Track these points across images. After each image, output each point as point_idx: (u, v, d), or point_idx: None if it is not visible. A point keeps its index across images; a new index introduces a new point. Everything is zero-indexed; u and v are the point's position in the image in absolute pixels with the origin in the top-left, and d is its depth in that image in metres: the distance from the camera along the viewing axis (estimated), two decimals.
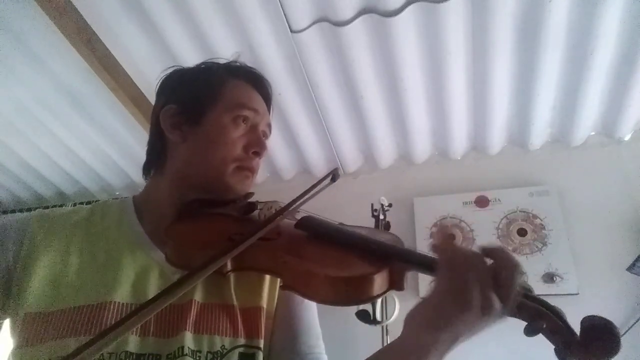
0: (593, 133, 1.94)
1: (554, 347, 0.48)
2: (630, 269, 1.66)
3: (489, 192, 2.01)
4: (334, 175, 0.69)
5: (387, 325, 1.66)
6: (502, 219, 1.94)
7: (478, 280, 0.45)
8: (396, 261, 0.54)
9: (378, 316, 1.63)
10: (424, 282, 1.86)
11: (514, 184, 1.99)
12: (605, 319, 0.46)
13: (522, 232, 1.89)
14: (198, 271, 0.47)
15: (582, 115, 1.80)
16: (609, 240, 1.78)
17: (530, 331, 0.47)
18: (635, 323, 1.57)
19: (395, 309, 1.64)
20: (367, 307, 1.66)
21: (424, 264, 0.53)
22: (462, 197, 2.04)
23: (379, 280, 0.52)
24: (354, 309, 1.68)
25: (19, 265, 0.59)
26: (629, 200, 1.82)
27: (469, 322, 0.46)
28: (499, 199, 1.99)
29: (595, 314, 0.47)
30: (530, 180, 1.98)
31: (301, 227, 0.63)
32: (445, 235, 1.99)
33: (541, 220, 1.88)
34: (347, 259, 0.56)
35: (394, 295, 1.67)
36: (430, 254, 0.53)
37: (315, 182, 0.59)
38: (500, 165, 2.07)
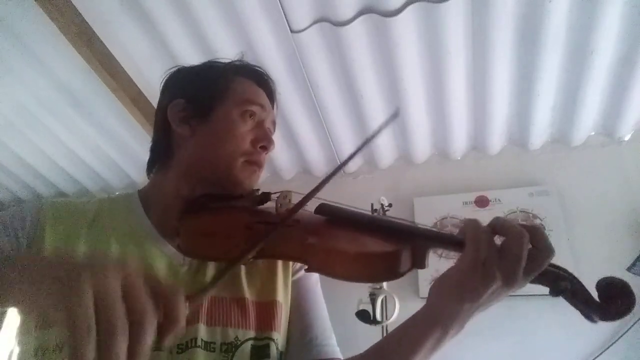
0: (593, 133, 1.94)
1: (579, 310, 0.51)
2: (630, 269, 1.66)
3: (489, 192, 2.01)
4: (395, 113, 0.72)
5: (387, 325, 1.66)
6: None
7: (497, 256, 0.48)
8: (418, 239, 0.56)
9: (378, 316, 1.63)
10: (424, 282, 1.86)
11: (514, 184, 1.99)
12: (618, 279, 0.51)
13: None
14: (248, 252, 0.51)
15: (582, 115, 1.80)
16: (609, 240, 1.78)
17: (555, 292, 0.51)
18: (635, 323, 1.57)
19: (395, 309, 1.64)
20: (367, 307, 1.66)
21: (445, 241, 0.55)
22: (462, 197, 2.05)
23: (404, 257, 0.54)
24: (354, 308, 1.68)
25: (32, 251, 0.60)
26: (629, 200, 1.82)
27: (494, 293, 0.49)
28: (499, 199, 1.99)
29: (608, 276, 0.51)
30: (530, 180, 1.98)
31: (321, 212, 0.64)
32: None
33: (541, 220, 1.88)
34: (370, 238, 0.58)
35: (393, 295, 1.67)
36: (450, 233, 0.55)
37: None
38: (500, 165, 2.07)
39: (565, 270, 0.52)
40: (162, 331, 0.35)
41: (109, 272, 0.34)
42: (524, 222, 0.54)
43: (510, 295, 0.51)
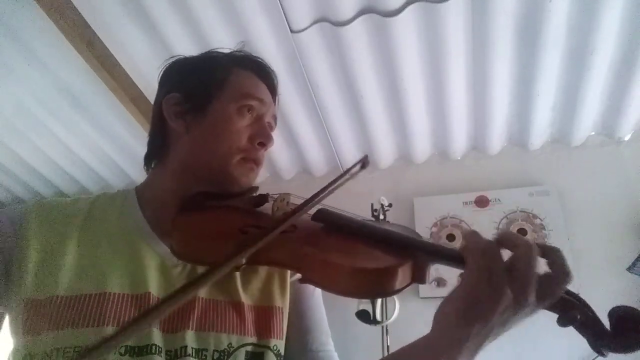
0: (593, 133, 1.94)
1: (587, 340, 0.47)
2: (630, 269, 1.66)
3: (489, 192, 2.01)
4: (363, 163, 0.65)
5: (387, 325, 1.66)
6: (502, 219, 1.94)
7: (507, 271, 0.44)
8: (420, 254, 0.52)
9: (378, 316, 1.63)
10: None
11: (514, 184, 2.00)
12: (634, 309, 0.45)
13: (522, 232, 1.89)
14: (224, 263, 0.42)
15: (582, 115, 1.80)
16: (609, 240, 1.78)
17: (564, 322, 0.46)
18: None
19: (395, 309, 1.64)
20: (367, 307, 1.66)
21: (448, 256, 0.51)
22: (462, 197, 2.04)
23: (404, 273, 0.50)
24: (354, 308, 1.68)
25: (17, 256, 0.58)
26: (629, 200, 1.82)
27: (503, 314, 0.44)
28: (499, 199, 1.99)
29: (622, 305, 0.45)
30: (530, 180, 1.98)
31: (319, 219, 0.60)
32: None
33: (541, 220, 1.88)
34: (369, 251, 0.54)
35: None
36: (453, 247, 0.52)
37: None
38: (500, 165, 2.07)
39: (576, 296, 0.47)
40: None
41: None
42: (543, 244, 0.48)
43: None
